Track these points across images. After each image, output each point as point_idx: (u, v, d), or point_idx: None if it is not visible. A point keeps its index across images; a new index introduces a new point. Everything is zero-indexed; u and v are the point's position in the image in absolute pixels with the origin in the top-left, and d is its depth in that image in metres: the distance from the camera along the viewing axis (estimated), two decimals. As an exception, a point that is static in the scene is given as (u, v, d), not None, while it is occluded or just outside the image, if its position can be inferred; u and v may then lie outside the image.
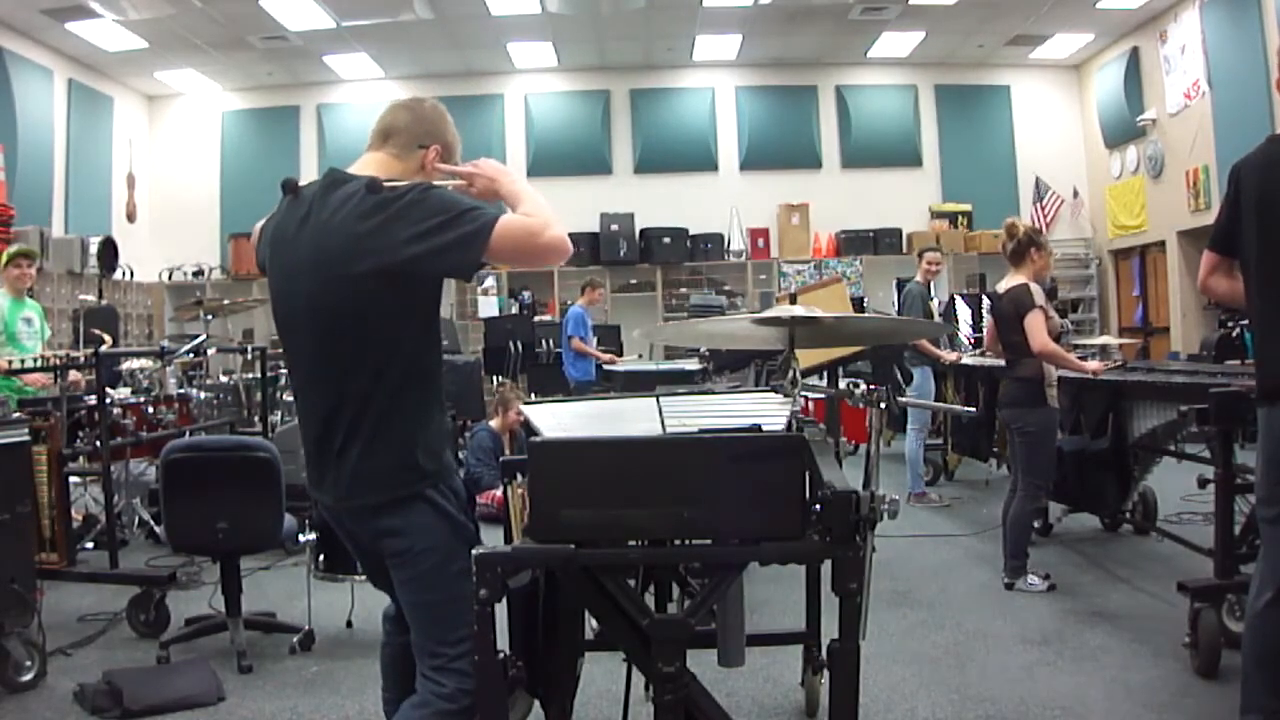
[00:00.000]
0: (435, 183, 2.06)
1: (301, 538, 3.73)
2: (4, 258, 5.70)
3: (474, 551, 1.88)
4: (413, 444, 2.04)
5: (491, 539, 2.03)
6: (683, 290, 11.58)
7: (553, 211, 1.99)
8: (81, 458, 4.74)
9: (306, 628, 3.81)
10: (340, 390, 2.03)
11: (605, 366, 8.22)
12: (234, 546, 3.68)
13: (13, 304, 5.62)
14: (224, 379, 6.45)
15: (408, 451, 2.03)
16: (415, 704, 2.10)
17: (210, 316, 6.65)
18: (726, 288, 11.69)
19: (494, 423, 6.69)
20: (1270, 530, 2.55)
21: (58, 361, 4.57)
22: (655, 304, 11.62)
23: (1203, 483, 4.04)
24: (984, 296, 7.73)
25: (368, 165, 2.12)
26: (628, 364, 8.07)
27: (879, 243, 11.82)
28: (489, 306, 11.25)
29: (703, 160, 12.06)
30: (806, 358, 3.97)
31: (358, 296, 1.97)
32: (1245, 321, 6.49)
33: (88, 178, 10.56)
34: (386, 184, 1.96)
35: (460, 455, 7.13)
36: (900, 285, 7.75)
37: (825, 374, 4.76)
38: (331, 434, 2.04)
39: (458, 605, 2.02)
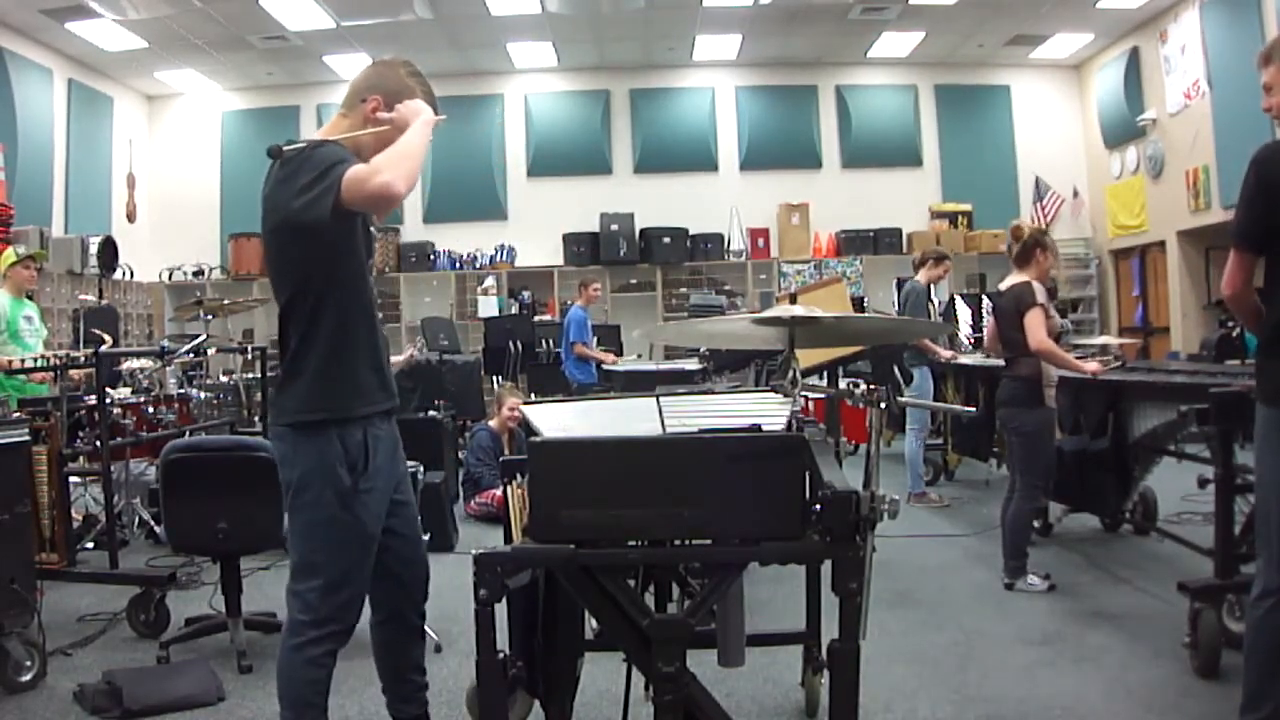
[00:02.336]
0: (340, 136, 2.29)
1: (301, 538, 3.73)
2: (12, 256, 5.72)
3: (474, 552, 1.88)
4: (317, 382, 2.27)
5: (492, 539, 2.03)
6: (683, 290, 11.57)
7: (403, 160, 2.14)
8: (81, 458, 4.74)
9: (306, 628, 3.80)
10: (280, 330, 2.33)
11: (605, 367, 8.22)
12: (234, 546, 3.68)
13: (14, 303, 5.66)
14: (224, 379, 6.45)
15: (311, 388, 2.27)
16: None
17: (210, 316, 6.65)
18: (726, 288, 11.69)
19: (492, 423, 6.70)
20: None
21: (58, 361, 4.57)
22: (655, 304, 11.62)
23: (1203, 483, 4.04)
24: (984, 296, 7.73)
25: (326, 127, 2.41)
26: (628, 364, 8.07)
27: (879, 243, 11.81)
28: (489, 306, 11.25)
29: (703, 160, 12.06)
30: (806, 358, 3.97)
31: (274, 249, 2.30)
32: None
33: (88, 177, 10.56)
34: (286, 148, 2.19)
35: (461, 455, 7.14)
36: (900, 284, 7.75)
37: (825, 374, 4.76)
38: (280, 369, 2.35)
39: (310, 542, 2.33)
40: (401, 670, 2.55)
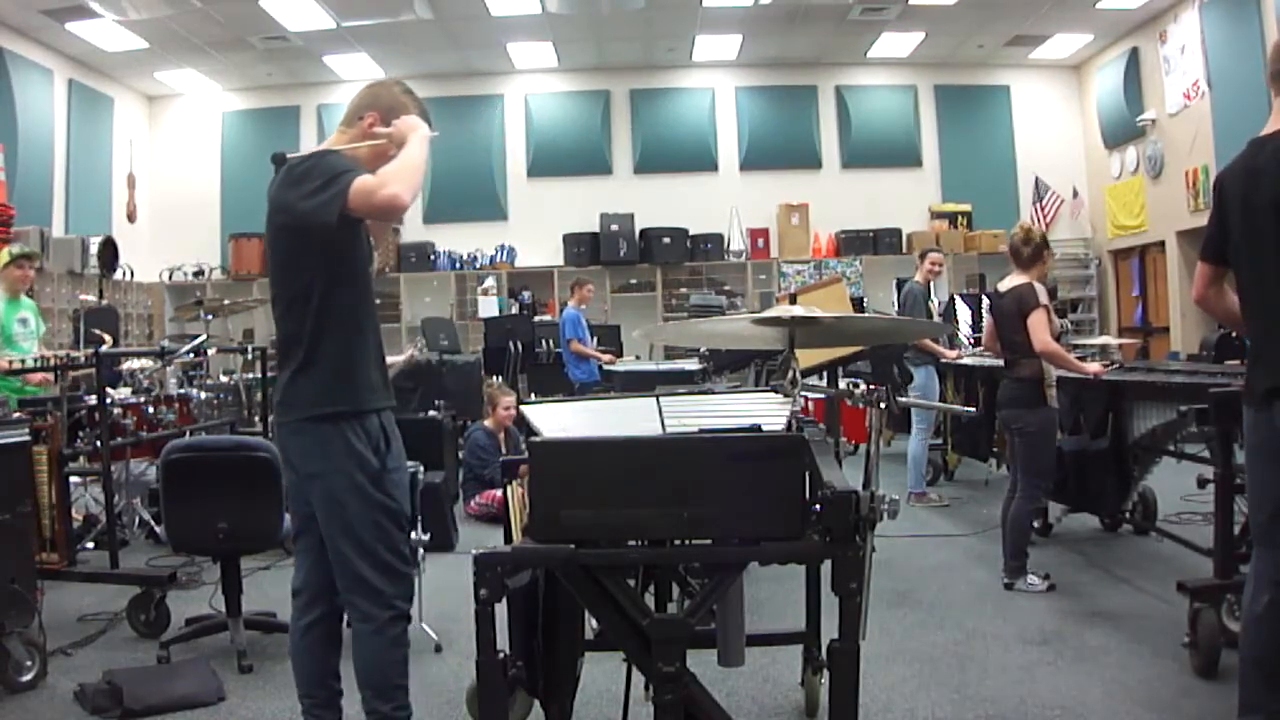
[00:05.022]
0: (341, 147, 2.46)
1: (301, 538, 3.73)
2: (5, 257, 5.70)
3: (474, 552, 1.89)
4: (333, 376, 2.35)
5: (492, 539, 2.03)
6: (683, 290, 11.56)
7: (408, 173, 2.26)
8: (82, 458, 4.74)
9: (306, 628, 3.80)
10: (283, 323, 2.42)
11: (605, 367, 8.22)
12: (234, 546, 3.68)
13: (9, 305, 5.61)
14: (224, 379, 6.44)
15: (328, 381, 2.35)
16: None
17: (210, 316, 6.65)
18: (726, 288, 11.68)
19: (487, 422, 6.70)
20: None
21: (58, 361, 4.57)
22: (655, 304, 11.62)
23: (1202, 483, 4.05)
24: (984, 296, 7.73)
25: (326, 142, 2.56)
26: (627, 364, 8.07)
27: (879, 243, 11.81)
28: (489, 306, 11.24)
29: (703, 160, 12.06)
30: (806, 358, 3.97)
31: (279, 247, 2.41)
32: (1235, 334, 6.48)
33: (88, 178, 10.55)
34: (290, 156, 2.37)
35: (460, 455, 7.14)
36: (900, 285, 7.75)
37: (825, 374, 4.77)
38: (281, 360, 2.43)
39: (356, 531, 2.37)
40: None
